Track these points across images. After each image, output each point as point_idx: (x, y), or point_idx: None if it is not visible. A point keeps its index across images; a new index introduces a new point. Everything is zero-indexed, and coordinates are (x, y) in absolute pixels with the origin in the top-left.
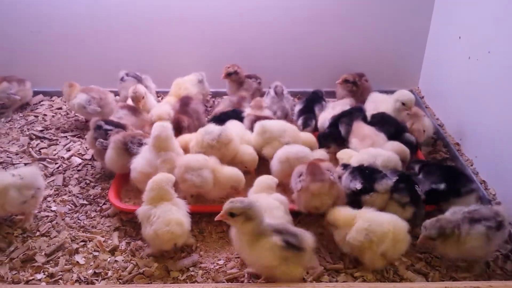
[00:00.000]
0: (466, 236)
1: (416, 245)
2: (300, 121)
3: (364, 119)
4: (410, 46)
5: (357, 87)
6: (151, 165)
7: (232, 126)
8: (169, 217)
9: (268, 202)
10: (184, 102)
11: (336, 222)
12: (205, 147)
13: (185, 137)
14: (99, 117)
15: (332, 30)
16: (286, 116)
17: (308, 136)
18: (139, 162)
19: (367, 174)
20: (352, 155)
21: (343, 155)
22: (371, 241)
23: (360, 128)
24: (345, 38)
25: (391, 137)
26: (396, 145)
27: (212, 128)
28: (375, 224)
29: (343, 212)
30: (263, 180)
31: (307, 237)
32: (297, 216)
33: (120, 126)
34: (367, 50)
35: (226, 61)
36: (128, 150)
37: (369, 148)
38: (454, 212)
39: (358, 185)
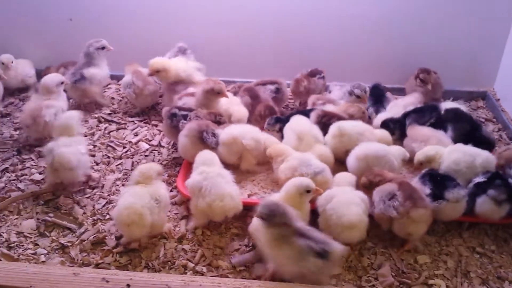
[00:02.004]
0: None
1: None
2: (370, 110)
3: (439, 121)
4: (487, 44)
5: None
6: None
7: (297, 121)
8: (222, 191)
9: (349, 197)
10: (254, 94)
11: None
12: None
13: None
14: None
15: (404, 26)
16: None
17: (384, 134)
18: None
19: (438, 180)
20: (439, 153)
21: (430, 151)
22: None
23: (418, 131)
24: (418, 34)
25: (466, 135)
26: None
27: (310, 161)
28: None
29: None
30: (345, 175)
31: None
32: None
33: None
34: (440, 47)
35: (289, 52)
36: (202, 139)
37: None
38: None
39: (426, 191)
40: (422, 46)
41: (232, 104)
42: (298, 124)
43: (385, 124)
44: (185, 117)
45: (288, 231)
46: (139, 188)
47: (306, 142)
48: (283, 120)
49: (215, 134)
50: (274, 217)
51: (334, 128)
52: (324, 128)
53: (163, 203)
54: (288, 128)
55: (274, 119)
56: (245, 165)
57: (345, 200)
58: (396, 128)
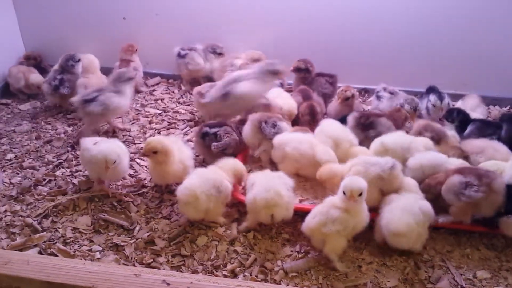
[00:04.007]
0: None
1: None
2: (432, 99)
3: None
4: None
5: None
6: None
7: (330, 126)
8: (269, 185)
9: (408, 203)
10: (306, 94)
11: None
12: (373, 178)
13: (332, 168)
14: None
15: (464, 32)
16: None
17: (424, 141)
18: None
19: (508, 193)
20: (501, 168)
21: (492, 166)
22: None
23: (471, 143)
24: (476, 40)
25: None
26: None
27: (377, 159)
28: None
29: None
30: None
31: None
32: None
33: (222, 125)
34: (499, 54)
35: (351, 55)
36: (261, 129)
37: None
38: None
39: None
40: (480, 52)
41: (282, 97)
42: (332, 129)
43: (449, 112)
44: (215, 134)
45: None
46: (207, 172)
47: (343, 148)
48: None
49: (275, 126)
50: None
51: (376, 144)
52: (364, 130)
53: (223, 194)
54: (321, 133)
55: None
56: (283, 169)
57: (401, 206)
58: (456, 120)
